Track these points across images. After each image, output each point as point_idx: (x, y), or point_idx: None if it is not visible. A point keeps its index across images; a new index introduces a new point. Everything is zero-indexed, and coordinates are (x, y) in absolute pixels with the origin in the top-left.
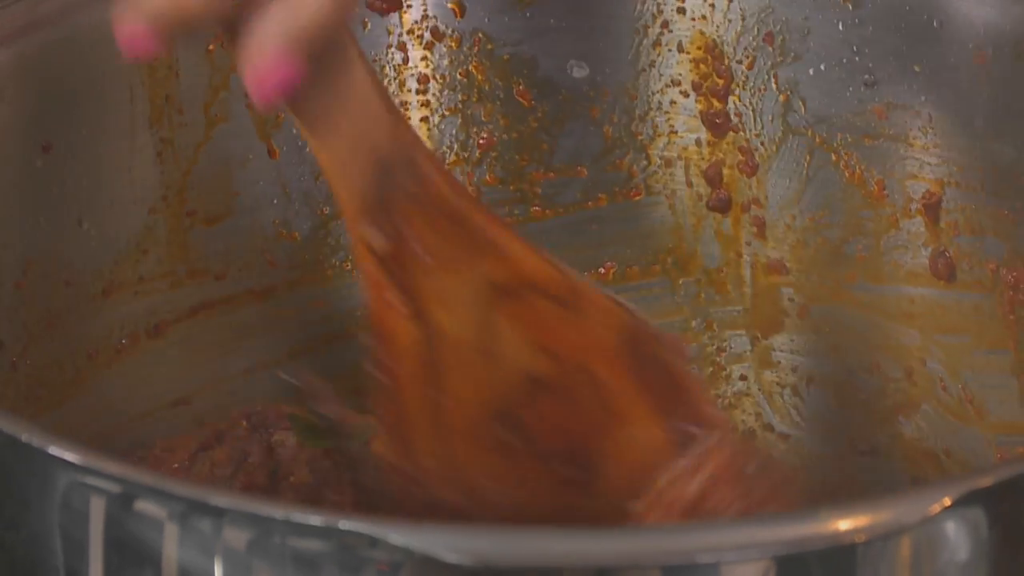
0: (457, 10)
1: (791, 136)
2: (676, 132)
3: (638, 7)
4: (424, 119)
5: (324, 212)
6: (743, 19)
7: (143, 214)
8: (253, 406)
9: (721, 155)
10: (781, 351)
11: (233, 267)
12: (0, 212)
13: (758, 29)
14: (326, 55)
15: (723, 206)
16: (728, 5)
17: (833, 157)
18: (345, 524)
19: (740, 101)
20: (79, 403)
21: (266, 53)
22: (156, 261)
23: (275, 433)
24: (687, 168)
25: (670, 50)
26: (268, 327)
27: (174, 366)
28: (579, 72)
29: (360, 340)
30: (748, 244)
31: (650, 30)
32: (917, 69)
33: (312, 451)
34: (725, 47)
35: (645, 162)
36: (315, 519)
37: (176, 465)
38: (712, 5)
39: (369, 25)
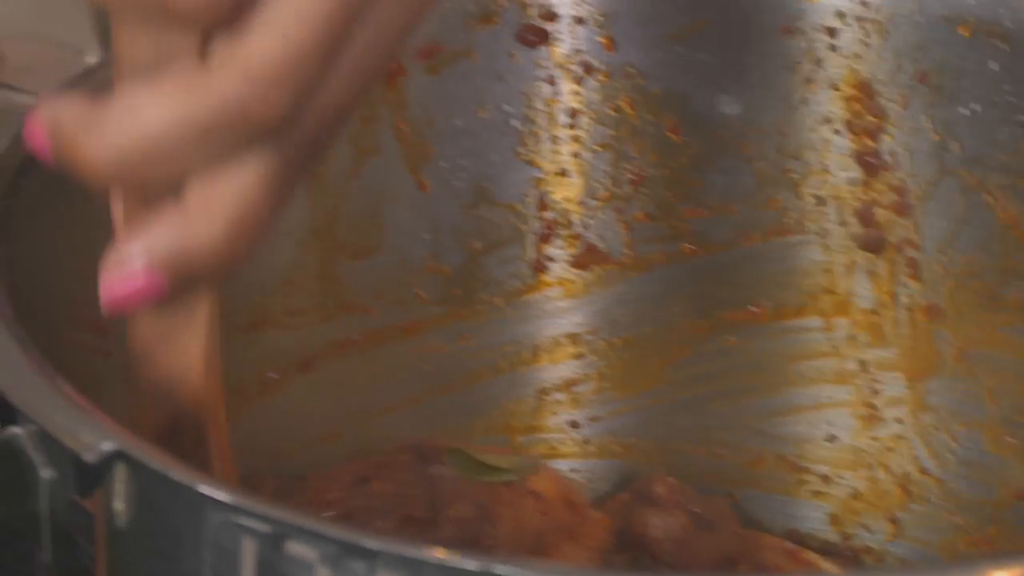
0: (608, 44)
1: (945, 176)
2: (828, 170)
3: (790, 44)
4: (575, 154)
5: (474, 247)
6: (897, 58)
7: (292, 248)
8: (413, 438)
9: (874, 194)
10: (936, 395)
11: (382, 301)
12: None
13: (912, 68)
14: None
15: (876, 246)
16: (882, 44)
17: (988, 199)
18: (500, 568)
19: (893, 140)
20: (228, 438)
21: (134, 263)
22: (305, 295)
23: (434, 466)
24: (840, 207)
25: (822, 88)
26: (417, 362)
27: (323, 400)
28: (730, 108)
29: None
30: (903, 285)
31: (802, 67)
32: None
33: (474, 484)
34: (878, 86)
35: (797, 200)
36: (470, 563)
37: (332, 497)
38: (865, 44)
39: (518, 58)
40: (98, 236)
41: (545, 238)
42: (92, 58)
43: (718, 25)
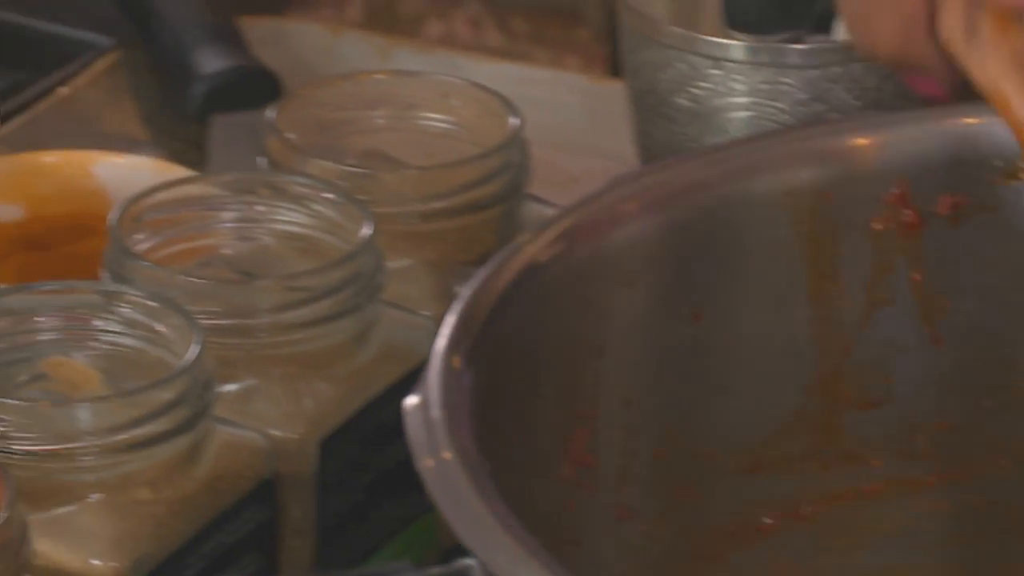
0: None
1: None
2: None
3: None
4: None
5: (983, 405)
6: None
7: (795, 392)
8: None
9: None
10: None
11: (886, 455)
12: (644, 379)
13: None
14: None
15: None
16: None
17: None
18: None
19: None
20: None
21: None
22: (806, 442)
23: None
24: None
25: None
26: (916, 520)
27: (818, 549)
28: None
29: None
30: None
31: None
32: None
33: None
34: None
35: None
36: None
37: None
38: None
39: None
40: (580, 366)
41: None
42: (634, 167)
43: None
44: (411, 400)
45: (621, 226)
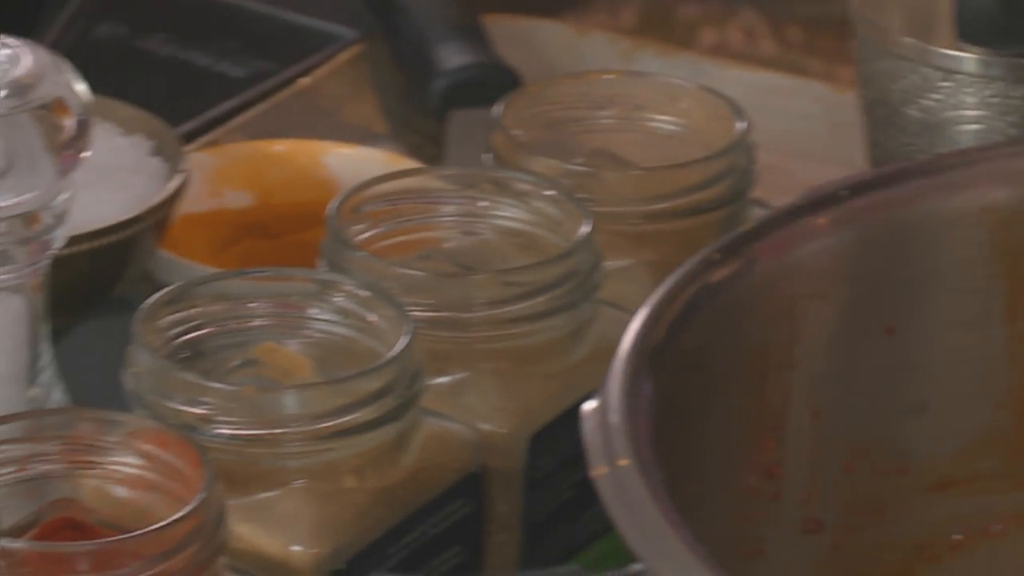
0: None
1: None
2: None
3: None
4: None
5: None
6: None
7: (989, 410)
8: None
9: None
10: None
11: None
12: (835, 392)
13: None
14: None
15: None
16: None
17: None
18: None
19: None
20: None
21: None
22: (998, 460)
23: None
24: None
25: None
26: None
27: (1006, 568)
28: None
29: None
30: None
31: None
32: None
33: None
34: None
35: None
36: None
37: None
38: None
39: None
40: (770, 377)
41: None
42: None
43: None
44: (589, 405)
45: (814, 239)
